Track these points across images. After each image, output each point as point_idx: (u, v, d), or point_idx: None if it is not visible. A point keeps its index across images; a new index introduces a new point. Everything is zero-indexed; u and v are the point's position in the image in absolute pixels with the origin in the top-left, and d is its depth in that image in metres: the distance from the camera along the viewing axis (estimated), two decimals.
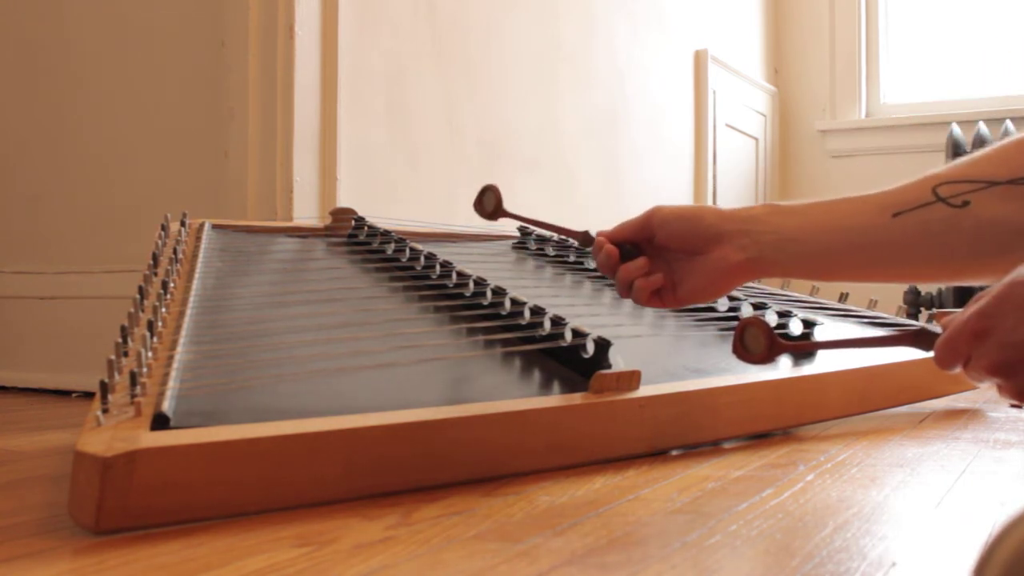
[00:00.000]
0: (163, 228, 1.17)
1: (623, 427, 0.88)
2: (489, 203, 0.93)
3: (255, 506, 0.67)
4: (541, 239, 1.50)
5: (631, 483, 0.79)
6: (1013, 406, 1.23)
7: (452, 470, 0.77)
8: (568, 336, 0.93)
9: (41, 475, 0.87)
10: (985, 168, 0.73)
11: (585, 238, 0.87)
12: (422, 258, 1.17)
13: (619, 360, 0.90)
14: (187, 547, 0.59)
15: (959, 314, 0.67)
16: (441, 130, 1.78)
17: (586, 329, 0.93)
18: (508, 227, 1.56)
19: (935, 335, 0.69)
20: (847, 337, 0.77)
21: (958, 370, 0.68)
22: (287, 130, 1.49)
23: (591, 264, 1.38)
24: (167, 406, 0.67)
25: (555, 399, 0.85)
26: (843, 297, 1.42)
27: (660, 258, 0.82)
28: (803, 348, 0.77)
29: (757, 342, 0.75)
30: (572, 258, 1.41)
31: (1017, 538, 0.36)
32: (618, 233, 0.84)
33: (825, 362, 1.12)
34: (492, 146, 1.91)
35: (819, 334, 1.15)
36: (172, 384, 0.72)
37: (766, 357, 0.76)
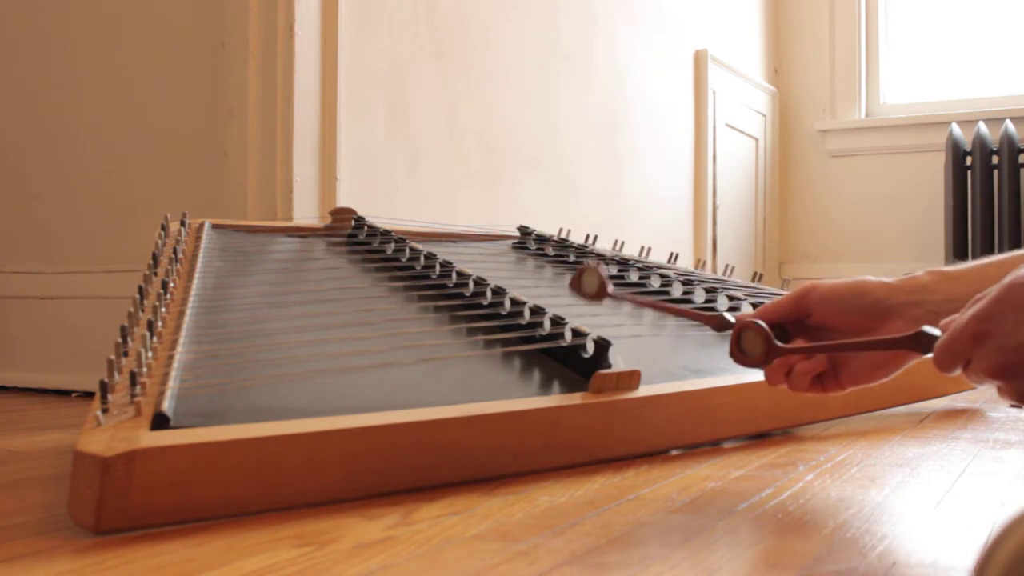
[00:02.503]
0: (163, 228, 1.17)
1: (623, 427, 0.88)
2: (590, 285, 0.84)
3: (255, 506, 0.67)
4: (541, 239, 1.50)
5: (631, 483, 0.79)
6: (1013, 406, 1.23)
7: (452, 470, 0.77)
8: (568, 336, 0.93)
9: (41, 475, 0.87)
10: None
11: (720, 323, 0.79)
12: (422, 258, 1.17)
13: (619, 360, 0.90)
14: (187, 547, 0.59)
15: (958, 316, 0.67)
16: (441, 130, 1.78)
17: (586, 329, 0.93)
18: (508, 227, 1.56)
19: (934, 337, 0.69)
20: (847, 340, 0.76)
21: (958, 372, 0.68)
22: (287, 130, 1.49)
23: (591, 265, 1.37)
24: (167, 406, 0.67)
25: (555, 399, 0.85)
26: None
27: (813, 339, 0.77)
28: (800, 351, 0.77)
29: (754, 345, 0.75)
30: (572, 258, 1.41)
31: (1018, 538, 0.36)
32: (767, 315, 0.77)
33: None
34: (492, 146, 1.91)
35: None
36: (172, 384, 0.72)
37: (763, 360, 0.75)
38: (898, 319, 0.74)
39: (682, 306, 0.86)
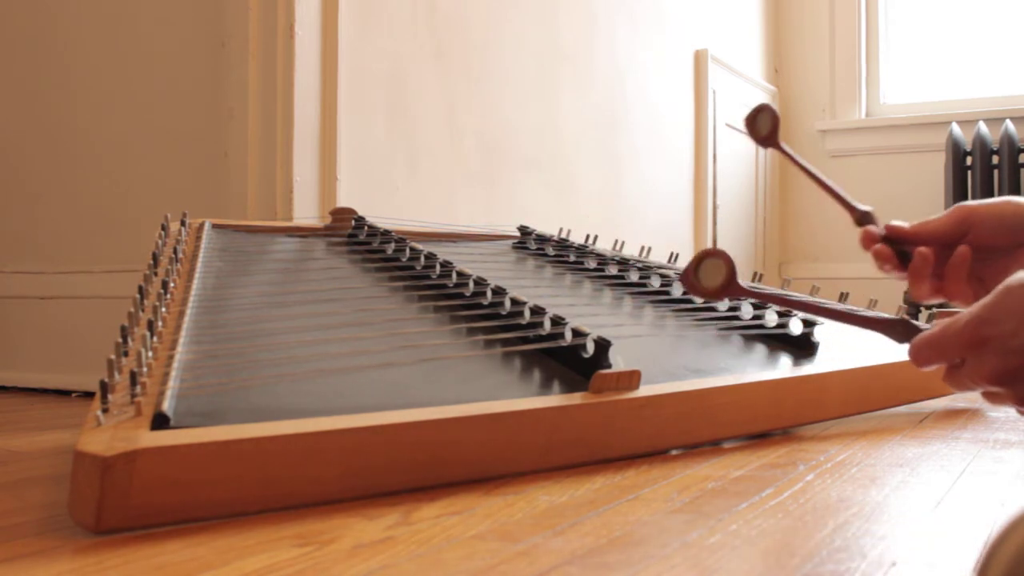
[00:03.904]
0: (163, 228, 1.17)
1: (623, 427, 0.88)
2: (764, 125, 0.79)
3: (255, 506, 0.67)
4: (541, 239, 1.50)
5: (631, 483, 0.79)
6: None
7: (452, 470, 0.77)
8: (568, 336, 0.93)
9: (41, 475, 0.87)
10: None
11: (863, 217, 0.79)
12: (422, 258, 1.17)
13: (619, 360, 0.90)
14: (187, 547, 0.59)
15: (955, 319, 0.66)
16: (441, 130, 1.78)
17: (586, 329, 0.93)
18: (508, 227, 1.56)
19: (915, 328, 0.67)
20: (825, 306, 0.73)
21: (932, 368, 0.66)
22: (287, 130, 1.49)
23: (591, 264, 1.38)
24: (167, 406, 0.67)
25: (555, 399, 0.85)
26: (843, 297, 1.42)
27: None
28: (760, 297, 0.72)
29: (714, 276, 0.68)
30: (572, 258, 1.41)
31: (1018, 538, 0.36)
32: (925, 234, 0.77)
33: (825, 362, 1.12)
34: (492, 146, 1.91)
35: (819, 333, 1.15)
36: (172, 384, 0.72)
37: (718, 293, 0.69)
38: None
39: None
